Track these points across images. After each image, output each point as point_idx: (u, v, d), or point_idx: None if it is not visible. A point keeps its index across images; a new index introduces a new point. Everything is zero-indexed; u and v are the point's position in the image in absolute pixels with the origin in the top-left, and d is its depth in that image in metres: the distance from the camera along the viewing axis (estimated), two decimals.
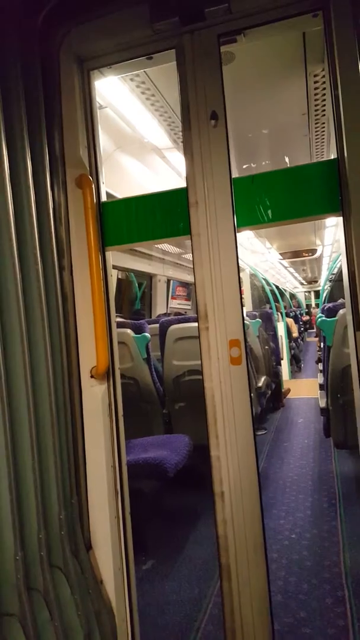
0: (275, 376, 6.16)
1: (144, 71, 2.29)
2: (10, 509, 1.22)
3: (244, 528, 1.65)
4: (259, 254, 8.65)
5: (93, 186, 1.76)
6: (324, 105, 2.82)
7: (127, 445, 1.87)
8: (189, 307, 7.39)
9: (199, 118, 1.69)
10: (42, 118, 1.61)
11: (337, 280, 9.23)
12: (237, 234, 1.69)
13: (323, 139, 3.32)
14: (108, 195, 1.93)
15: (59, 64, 1.76)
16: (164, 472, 2.56)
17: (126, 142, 3.23)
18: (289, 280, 17.77)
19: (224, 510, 1.66)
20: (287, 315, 10.35)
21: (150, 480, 2.75)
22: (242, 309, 1.66)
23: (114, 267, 1.83)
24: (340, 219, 1.63)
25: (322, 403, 3.65)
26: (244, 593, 1.65)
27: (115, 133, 3.06)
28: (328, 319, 3.27)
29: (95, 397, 1.74)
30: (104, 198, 1.88)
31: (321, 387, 4.14)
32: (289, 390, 7.30)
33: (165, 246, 5.45)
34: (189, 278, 6.92)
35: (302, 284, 21.98)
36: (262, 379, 5.05)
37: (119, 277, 5.44)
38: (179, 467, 2.70)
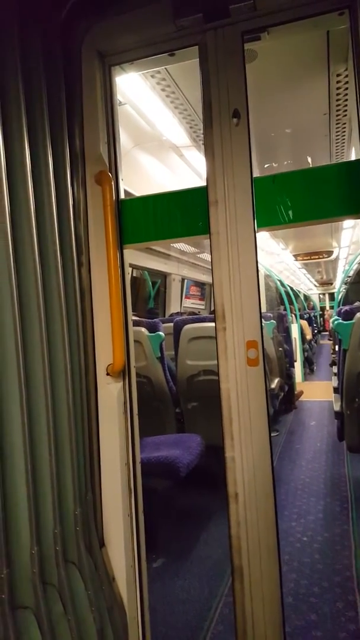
0: (288, 378, 6.12)
1: (165, 68, 2.29)
2: (27, 504, 1.23)
3: (257, 530, 1.64)
4: (275, 255, 8.60)
5: (112, 183, 1.76)
6: (346, 105, 2.78)
7: (139, 443, 1.87)
8: (202, 307, 7.37)
9: (221, 116, 1.67)
10: (63, 113, 1.61)
11: (353, 282, 9.13)
12: (257, 234, 1.67)
13: (344, 139, 3.28)
14: (125, 193, 1.93)
15: (80, 60, 1.76)
16: (176, 471, 2.56)
17: (144, 139, 3.23)
18: (303, 282, 17.63)
19: (238, 511, 1.65)
20: (301, 317, 10.27)
21: (162, 479, 2.75)
22: (260, 310, 1.65)
23: (129, 265, 1.84)
24: None
25: (337, 406, 3.61)
26: (256, 594, 1.64)
27: (133, 130, 3.06)
28: (345, 322, 3.23)
29: (111, 395, 1.74)
30: (122, 195, 1.88)
31: (335, 390, 4.10)
32: (301, 393, 7.24)
33: (181, 245, 5.44)
34: (203, 278, 6.90)
35: (316, 285, 21.81)
36: (276, 380, 5.02)
37: (133, 275, 5.45)
38: (190, 467, 2.69)
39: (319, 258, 9.96)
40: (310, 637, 1.97)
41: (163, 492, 3.20)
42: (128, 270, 1.89)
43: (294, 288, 12.09)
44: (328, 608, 2.15)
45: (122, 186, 1.89)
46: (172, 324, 3.63)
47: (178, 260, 5.86)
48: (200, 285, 7.31)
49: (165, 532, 2.96)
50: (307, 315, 13.19)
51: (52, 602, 1.31)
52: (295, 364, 7.52)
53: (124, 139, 3.07)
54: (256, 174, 1.67)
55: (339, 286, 10.70)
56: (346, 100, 2.69)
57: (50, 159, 1.49)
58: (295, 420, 5.91)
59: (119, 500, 1.70)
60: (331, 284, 20.27)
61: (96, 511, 1.66)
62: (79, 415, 1.56)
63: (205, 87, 1.70)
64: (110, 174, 1.75)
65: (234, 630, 1.67)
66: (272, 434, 1.66)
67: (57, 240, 1.49)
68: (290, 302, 8.85)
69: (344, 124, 3.03)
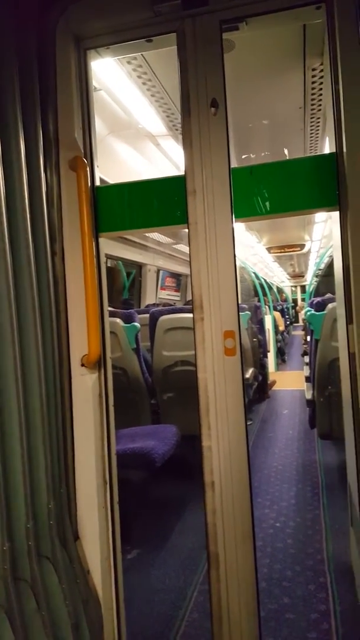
0: (262, 368, 6.21)
1: (142, 55, 2.24)
2: None
3: (233, 517, 1.66)
4: (249, 247, 8.66)
5: (88, 169, 1.72)
6: (320, 100, 2.80)
7: (115, 435, 1.86)
8: (177, 299, 7.37)
9: (199, 105, 1.66)
10: (36, 96, 1.55)
11: (324, 275, 9.31)
12: (234, 225, 1.67)
13: (318, 134, 3.31)
14: (101, 181, 1.89)
15: (55, 42, 1.70)
16: (151, 462, 2.56)
17: (120, 127, 3.17)
18: (276, 274, 17.86)
19: (214, 499, 1.66)
20: (275, 308, 10.41)
21: (137, 470, 2.75)
22: (237, 301, 1.65)
23: (105, 255, 1.81)
24: (336, 213, 1.63)
25: (309, 395, 3.70)
26: (232, 581, 1.66)
27: (109, 117, 3.00)
28: (317, 313, 3.29)
29: (85, 386, 1.71)
30: (97, 182, 1.84)
31: (307, 379, 4.19)
32: (274, 382, 7.37)
33: (157, 235, 5.40)
34: (179, 269, 6.88)
35: (288, 278, 22.13)
36: (250, 370, 5.09)
37: (108, 265, 5.38)
38: (166, 457, 2.70)
39: (291, 251, 10.10)
40: (283, 619, 2.02)
41: (139, 483, 3.20)
42: (104, 259, 1.86)
43: (268, 280, 12.23)
44: (300, 591, 2.20)
45: (98, 173, 1.85)
46: (147, 315, 3.61)
47: (154, 251, 5.83)
48: (175, 276, 7.30)
49: (140, 523, 2.97)
50: (280, 307, 13.39)
51: (25, 598, 1.28)
52: (269, 354, 7.64)
53: (99, 125, 3.00)
54: (234, 164, 1.66)
55: (310, 279, 10.88)
56: (321, 95, 2.71)
57: (22, 143, 1.43)
58: (269, 409, 6.01)
59: (94, 492, 1.69)
60: (303, 276, 20.61)
61: (70, 504, 1.64)
62: (52, 407, 1.53)
63: (183, 76, 1.68)
64: (85, 160, 1.71)
65: (209, 617, 1.69)
66: (246, 424, 1.68)
67: (30, 227, 1.44)
68: (264, 294, 8.95)
69: (319, 118, 3.06)
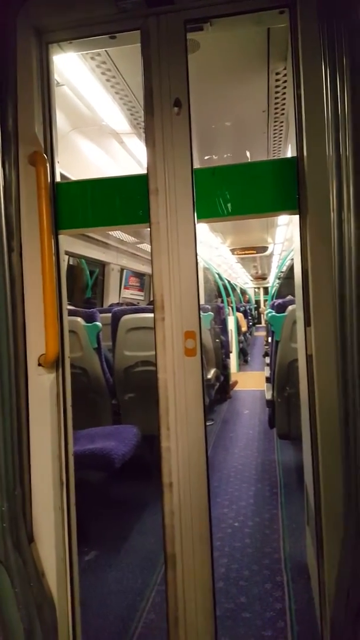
0: (224, 368, 6.27)
1: (106, 51, 2.22)
2: None
3: (190, 518, 1.66)
4: (213, 248, 8.73)
5: (47, 165, 1.68)
6: (284, 104, 2.86)
7: (73, 436, 1.83)
8: (141, 298, 7.33)
9: (162, 104, 1.65)
10: None
11: (285, 277, 9.51)
12: (197, 226, 1.68)
13: (281, 138, 3.37)
14: (62, 177, 1.85)
15: (15, 34, 1.66)
16: (110, 462, 2.53)
17: (83, 123, 3.12)
18: (240, 276, 18.11)
19: (172, 500, 1.66)
20: (237, 309, 10.55)
21: (96, 471, 2.71)
22: (198, 301, 1.66)
23: (66, 252, 1.77)
24: (296, 217, 1.66)
25: (268, 395, 3.76)
26: (188, 581, 1.67)
27: (72, 113, 2.95)
28: (278, 315, 3.35)
29: (42, 386, 1.68)
30: (58, 179, 1.80)
31: (268, 380, 4.27)
32: (236, 383, 7.47)
33: (120, 234, 5.36)
34: (143, 268, 6.85)
35: (251, 280, 22.49)
36: (212, 371, 5.13)
37: (70, 263, 5.29)
38: (126, 458, 2.68)
39: (254, 253, 10.26)
40: (239, 618, 2.04)
41: (97, 484, 3.16)
42: (64, 257, 1.82)
43: (231, 282, 12.39)
44: (257, 590, 2.23)
45: (58, 169, 1.81)
46: (109, 315, 3.57)
47: (117, 250, 5.77)
48: (139, 275, 7.26)
49: (98, 524, 2.93)
50: (243, 308, 13.58)
51: None
52: (231, 354, 7.73)
53: (61, 121, 2.95)
54: (196, 165, 1.67)
55: (272, 281, 11.10)
56: (284, 99, 2.77)
57: None
58: (230, 409, 6.08)
59: (50, 494, 1.65)
60: (265, 278, 20.99)
61: (25, 506, 1.60)
62: (6, 407, 1.48)
63: (146, 74, 1.67)
64: (45, 156, 1.67)
65: (165, 617, 1.69)
66: (207, 423, 1.69)
67: None
68: (228, 295, 9.05)
69: (282, 122, 3.12)
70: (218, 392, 6.10)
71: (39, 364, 1.67)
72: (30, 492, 1.64)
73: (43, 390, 1.67)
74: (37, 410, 1.67)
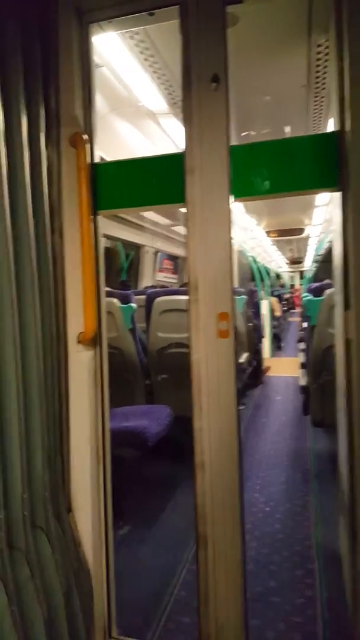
0: (256, 353, 6.23)
1: (145, 29, 2.20)
2: None
3: (222, 499, 1.68)
4: (248, 230, 8.61)
5: (87, 146, 1.69)
6: (325, 77, 2.75)
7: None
8: (175, 281, 7.34)
9: (200, 80, 1.62)
10: (38, 72, 1.53)
11: (323, 261, 9.28)
12: (233, 205, 1.66)
13: (321, 113, 3.26)
14: (100, 159, 1.87)
15: (57, 16, 1.67)
16: (144, 441, 2.59)
17: (121, 104, 3.12)
18: (274, 259, 17.79)
19: (204, 480, 1.68)
20: (272, 294, 10.40)
21: (130, 449, 2.78)
22: (232, 282, 1.65)
23: (103, 235, 1.80)
24: (338, 194, 1.61)
25: (303, 381, 3.72)
26: (219, 562, 1.68)
27: (110, 95, 2.95)
28: (314, 299, 3.29)
29: (81, 363, 1.72)
30: (97, 159, 1.82)
31: (302, 366, 4.22)
32: (268, 368, 7.41)
33: (155, 216, 5.36)
34: (177, 251, 6.84)
35: (286, 263, 22.05)
36: (244, 355, 5.11)
37: (106, 245, 5.35)
38: (159, 437, 2.73)
39: (290, 235, 10.05)
40: (269, 602, 2.06)
41: (131, 461, 3.24)
42: (102, 237, 1.85)
43: (266, 265, 12.19)
44: (287, 575, 2.23)
45: (97, 150, 1.82)
46: (144, 297, 3.60)
47: (152, 232, 5.78)
48: (173, 258, 7.26)
49: (132, 500, 3.01)
50: (277, 292, 13.38)
51: (19, 566, 1.31)
52: (264, 340, 7.66)
53: (100, 103, 2.95)
54: (233, 142, 1.64)
55: (309, 264, 10.87)
56: (325, 72, 2.66)
57: (24, 119, 1.42)
58: (262, 395, 6.06)
59: (87, 467, 1.71)
60: (300, 262, 20.53)
61: (64, 477, 1.67)
62: (49, 382, 1.54)
63: (184, 49, 1.65)
64: (85, 137, 1.69)
65: (196, 595, 1.72)
66: (239, 407, 1.69)
67: (30, 204, 1.43)
68: (262, 279, 8.93)
69: (323, 97, 3.01)
70: (250, 377, 6.07)
71: (78, 342, 1.71)
72: (69, 464, 1.70)
73: (82, 367, 1.72)
74: (76, 385, 1.72)
